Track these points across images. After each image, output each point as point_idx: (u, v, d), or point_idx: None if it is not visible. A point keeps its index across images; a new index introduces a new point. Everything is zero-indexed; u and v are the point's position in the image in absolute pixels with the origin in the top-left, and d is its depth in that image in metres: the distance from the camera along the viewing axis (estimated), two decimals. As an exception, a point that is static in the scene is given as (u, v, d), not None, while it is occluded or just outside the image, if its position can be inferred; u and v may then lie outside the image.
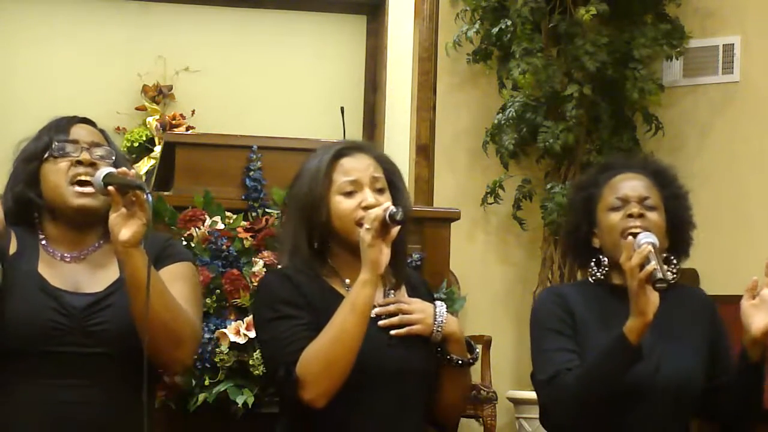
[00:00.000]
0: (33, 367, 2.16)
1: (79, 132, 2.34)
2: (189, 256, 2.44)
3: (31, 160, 2.30)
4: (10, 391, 2.17)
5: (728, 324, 2.59)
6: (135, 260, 2.15)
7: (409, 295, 2.43)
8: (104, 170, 2.23)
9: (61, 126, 2.34)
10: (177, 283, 2.27)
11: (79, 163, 2.28)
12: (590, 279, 2.56)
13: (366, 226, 2.23)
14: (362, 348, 2.22)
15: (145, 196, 2.14)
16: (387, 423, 2.28)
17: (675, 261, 2.52)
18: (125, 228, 2.14)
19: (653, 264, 2.29)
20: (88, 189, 2.25)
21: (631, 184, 2.52)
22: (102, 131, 2.40)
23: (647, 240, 2.37)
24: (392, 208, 2.23)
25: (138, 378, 2.18)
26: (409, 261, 3.09)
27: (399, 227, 2.25)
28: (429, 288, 2.57)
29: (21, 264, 2.24)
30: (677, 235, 2.54)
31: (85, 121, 2.39)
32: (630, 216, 2.47)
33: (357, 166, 2.37)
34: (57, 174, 2.28)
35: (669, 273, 2.40)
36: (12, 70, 6.76)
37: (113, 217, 2.15)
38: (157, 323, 2.15)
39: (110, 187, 2.16)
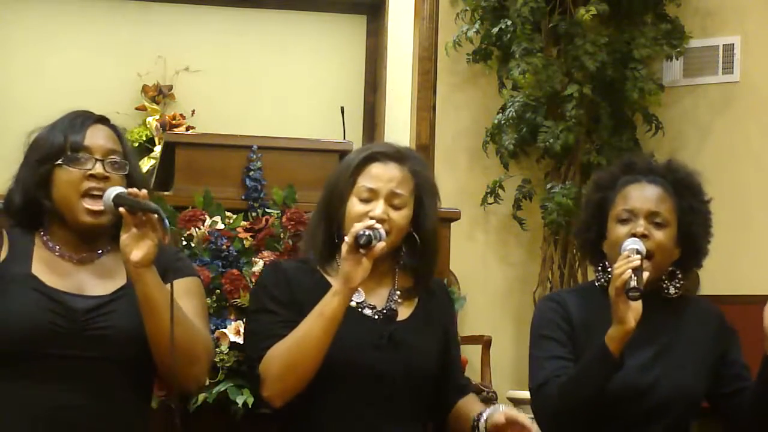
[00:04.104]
0: (28, 370, 2.11)
1: (94, 136, 2.26)
2: (196, 271, 2.42)
3: (44, 162, 2.23)
4: (3, 395, 2.12)
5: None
6: (147, 280, 2.13)
7: (426, 303, 2.44)
8: (114, 190, 2.18)
9: (77, 127, 2.26)
10: (186, 298, 2.24)
11: (92, 176, 2.22)
12: (596, 284, 2.55)
13: (346, 239, 2.23)
14: (349, 348, 2.24)
15: (160, 220, 2.10)
16: (372, 424, 2.28)
17: (680, 275, 2.49)
18: (137, 249, 2.12)
19: (628, 273, 2.28)
20: (98, 207, 2.20)
21: (643, 196, 2.47)
22: (115, 128, 2.33)
23: (632, 246, 2.35)
24: (361, 231, 2.22)
25: (135, 384, 2.19)
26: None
27: (388, 245, 2.27)
28: (447, 290, 2.59)
29: (12, 269, 2.18)
30: (688, 248, 2.50)
31: (101, 120, 2.32)
32: (634, 235, 2.42)
33: (381, 176, 2.37)
34: (68, 185, 2.21)
35: (672, 289, 2.43)
36: (12, 70, 6.77)
37: (124, 237, 2.12)
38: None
39: (121, 209, 2.12)
